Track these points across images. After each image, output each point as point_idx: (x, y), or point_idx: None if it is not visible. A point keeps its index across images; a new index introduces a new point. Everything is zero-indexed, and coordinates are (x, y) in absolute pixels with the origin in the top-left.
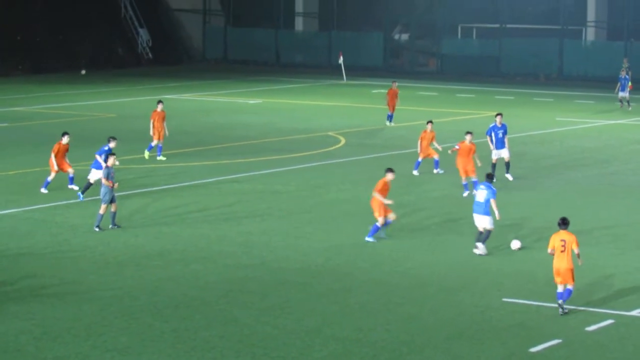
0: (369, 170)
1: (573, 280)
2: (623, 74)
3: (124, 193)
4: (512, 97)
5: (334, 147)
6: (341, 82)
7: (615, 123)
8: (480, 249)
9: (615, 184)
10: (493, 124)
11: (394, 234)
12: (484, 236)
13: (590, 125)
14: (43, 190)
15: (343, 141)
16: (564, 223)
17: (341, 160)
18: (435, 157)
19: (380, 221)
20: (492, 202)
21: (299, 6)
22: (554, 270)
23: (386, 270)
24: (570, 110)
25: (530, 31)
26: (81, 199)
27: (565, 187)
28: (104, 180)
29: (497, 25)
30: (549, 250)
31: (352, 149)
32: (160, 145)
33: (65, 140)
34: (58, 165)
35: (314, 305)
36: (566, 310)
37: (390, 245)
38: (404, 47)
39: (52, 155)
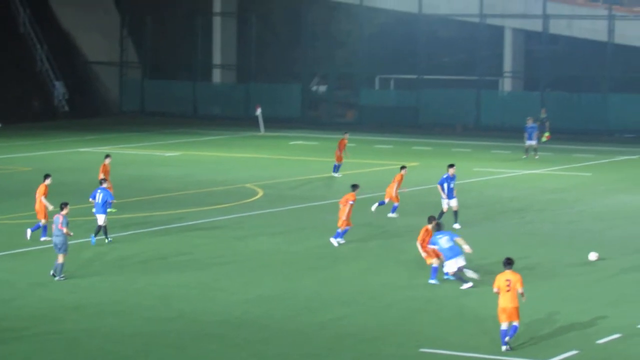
0: (287, 222)
1: (518, 317)
2: (529, 123)
3: (37, 248)
4: (430, 148)
5: (252, 199)
6: (259, 134)
7: (531, 173)
8: (470, 273)
9: (533, 233)
10: (446, 175)
11: (312, 285)
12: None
13: (507, 175)
14: (42, 239)
15: (261, 193)
16: (508, 263)
17: (259, 212)
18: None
19: (435, 262)
20: (458, 240)
21: (216, 58)
22: (500, 308)
23: (304, 321)
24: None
25: (448, 82)
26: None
27: (484, 236)
28: (65, 230)
29: (414, 76)
30: (495, 290)
31: (270, 201)
32: None
33: (48, 182)
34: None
35: (232, 357)
36: (510, 347)
37: (308, 295)
38: (322, 98)
39: (42, 199)
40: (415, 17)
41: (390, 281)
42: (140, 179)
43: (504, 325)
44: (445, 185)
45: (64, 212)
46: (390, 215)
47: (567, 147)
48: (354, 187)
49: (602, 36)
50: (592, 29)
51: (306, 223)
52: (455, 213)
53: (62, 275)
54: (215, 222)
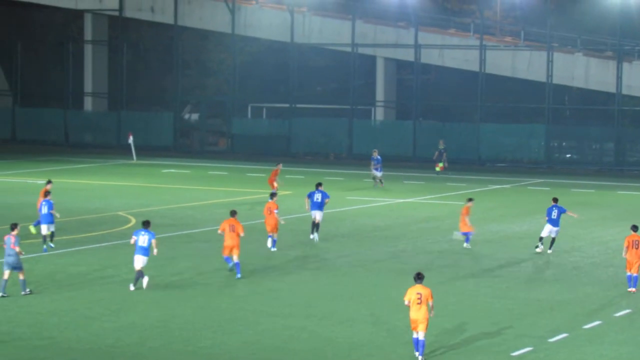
0: (160, 250)
1: (426, 329)
2: (375, 155)
3: None
4: (302, 177)
5: (124, 227)
6: (131, 161)
7: (404, 202)
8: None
9: (406, 262)
10: (314, 191)
11: (185, 313)
12: None
13: (381, 203)
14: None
15: (133, 221)
16: (419, 277)
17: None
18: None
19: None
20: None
21: (88, 86)
22: (412, 320)
23: (177, 349)
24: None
25: (321, 111)
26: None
27: (355, 266)
28: (18, 249)
29: (286, 105)
30: (406, 302)
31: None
32: None
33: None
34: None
35: None
36: (419, 358)
37: (181, 324)
38: (194, 126)
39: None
40: (287, 46)
41: (263, 309)
42: (10, 206)
43: (415, 334)
44: (312, 197)
45: (15, 232)
46: (465, 245)
47: (439, 176)
48: (273, 195)
49: (474, 66)
50: (463, 59)
51: (178, 251)
52: (317, 225)
53: (27, 290)
54: (88, 249)
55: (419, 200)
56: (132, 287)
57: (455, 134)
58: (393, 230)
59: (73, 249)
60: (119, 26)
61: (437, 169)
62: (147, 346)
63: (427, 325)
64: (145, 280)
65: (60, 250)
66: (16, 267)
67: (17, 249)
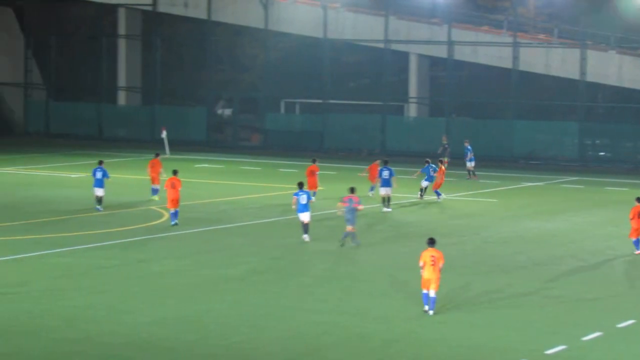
0: (192, 244)
1: (437, 288)
2: (467, 144)
3: None
4: (334, 172)
5: (157, 222)
6: (164, 156)
7: (436, 198)
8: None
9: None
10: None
11: (220, 308)
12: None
13: (413, 200)
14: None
15: (166, 215)
16: (432, 242)
17: (164, 234)
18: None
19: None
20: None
21: (121, 80)
22: (425, 279)
23: (211, 343)
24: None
25: (354, 107)
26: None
27: (388, 262)
28: (360, 207)
29: (320, 101)
30: (420, 264)
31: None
32: None
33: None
34: None
35: None
36: (429, 313)
37: (216, 318)
38: (227, 122)
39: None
40: (320, 42)
41: (297, 305)
42: (46, 200)
43: (426, 291)
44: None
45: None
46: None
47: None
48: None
49: (507, 63)
50: (497, 56)
51: (212, 246)
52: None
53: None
54: (121, 244)
55: (452, 197)
56: (306, 238)
57: (488, 131)
58: (425, 227)
59: (107, 242)
60: (152, 21)
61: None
62: (181, 340)
63: (438, 284)
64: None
65: (94, 244)
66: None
67: (360, 207)
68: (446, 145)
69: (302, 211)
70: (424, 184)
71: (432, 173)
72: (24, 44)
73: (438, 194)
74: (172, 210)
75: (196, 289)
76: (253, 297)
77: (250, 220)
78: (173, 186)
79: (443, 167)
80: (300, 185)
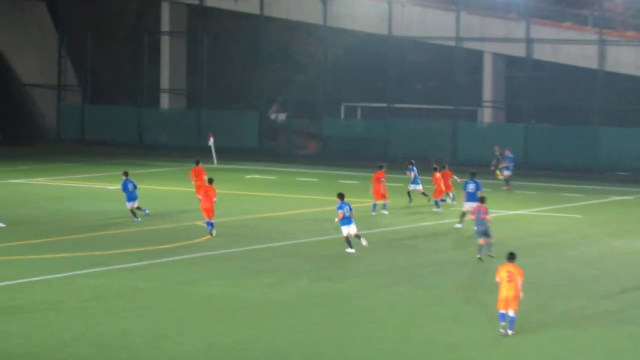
0: (241, 264)
1: (517, 306)
2: (508, 153)
3: None
4: (400, 184)
5: (202, 239)
6: (212, 165)
7: (516, 213)
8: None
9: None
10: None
11: (269, 335)
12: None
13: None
14: None
15: (213, 232)
16: (511, 257)
17: (210, 253)
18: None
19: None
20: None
21: (164, 82)
22: (501, 298)
23: None
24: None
25: (421, 111)
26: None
27: (457, 283)
28: (489, 217)
29: (384, 105)
30: (497, 280)
31: (222, 241)
32: None
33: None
34: None
35: None
36: (508, 333)
37: (265, 346)
38: (281, 127)
39: None
40: (384, 40)
41: (356, 332)
42: (80, 214)
43: (502, 311)
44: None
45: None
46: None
47: (554, 186)
48: (381, 167)
49: (592, 63)
50: (580, 55)
51: (262, 266)
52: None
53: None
54: (161, 263)
55: (531, 213)
56: (364, 242)
57: (572, 139)
58: (503, 246)
59: (145, 262)
60: (199, 16)
61: (501, 177)
62: None
63: (517, 303)
64: (364, 241)
65: (132, 264)
66: (485, 234)
67: (489, 217)
68: (499, 156)
69: (347, 224)
70: (412, 187)
71: (412, 175)
72: (58, 42)
73: (437, 204)
74: (207, 220)
75: (244, 313)
76: (306, 323)
77: (304, 237)
78: (206, 194)
79: (437, 174)
80: (341, 196)
